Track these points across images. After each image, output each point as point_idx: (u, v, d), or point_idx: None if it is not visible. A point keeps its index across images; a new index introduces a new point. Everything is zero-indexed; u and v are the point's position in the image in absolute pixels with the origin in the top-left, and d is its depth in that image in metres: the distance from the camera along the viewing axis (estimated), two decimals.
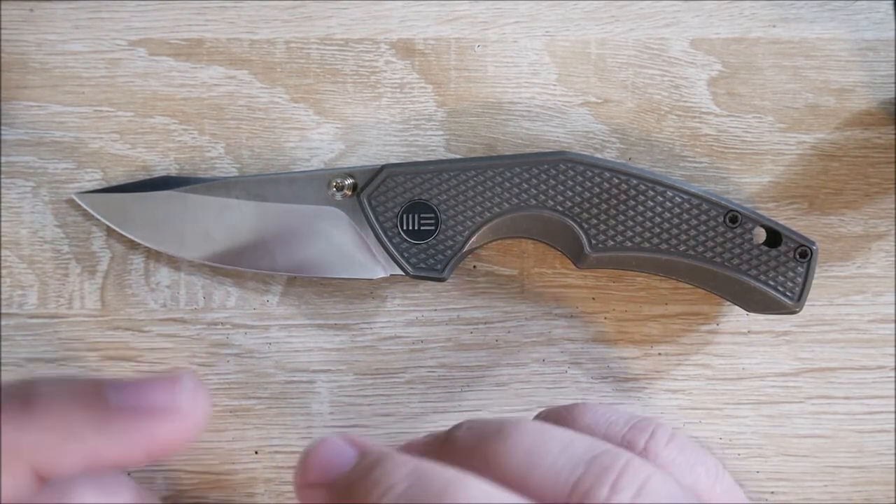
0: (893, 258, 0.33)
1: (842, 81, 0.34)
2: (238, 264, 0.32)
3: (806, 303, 0.31)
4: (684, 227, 0.31)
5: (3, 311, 0.32)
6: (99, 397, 0.23)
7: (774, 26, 0.34)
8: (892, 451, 0.33)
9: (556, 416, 0.28)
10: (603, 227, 0.31)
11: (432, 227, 0.31)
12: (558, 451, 0.23)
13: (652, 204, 0.31)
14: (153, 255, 0.33)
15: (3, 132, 0.33)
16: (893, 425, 0.33)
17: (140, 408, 0.24)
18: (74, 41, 0.33)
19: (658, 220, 0.31)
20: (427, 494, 0.21)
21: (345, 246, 0.31)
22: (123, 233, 0.32)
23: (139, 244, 0.32)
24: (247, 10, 0.33)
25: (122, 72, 0.33)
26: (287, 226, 0.31)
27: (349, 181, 0.31)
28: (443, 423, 0.33)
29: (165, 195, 0.32)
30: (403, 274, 0.31)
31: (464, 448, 0.25)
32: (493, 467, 0.23)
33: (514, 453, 0.23)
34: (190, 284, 0.33)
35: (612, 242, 0.31)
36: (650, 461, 0.25)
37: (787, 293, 0.31)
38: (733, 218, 0.31)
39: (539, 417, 0.29)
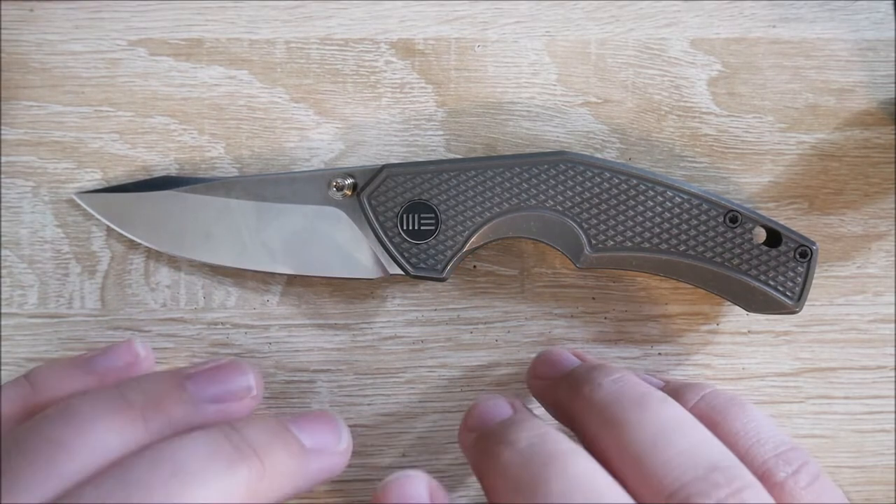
0: (893, 258, 0.33)
1: (842, 81, 0.34)
2: (238, 264, 0.32)
3: (806, 303, 0.31)
4: (684, 227, 0.31)
5: (3, 311, 0.32)
6: (294, 439, 0.25)
7: (774, 26, 0.34)
8: (892, 451, 0.33)
9: (714, 403, 0.27)
10: (603, 227, 0.31)
11: (432, 227, 0.31)
12: (683, 448, 0.23)
13: (652, 204, 0.31)
14: (153, 255, 0.33)
15: (3, 132, 0.33)
16: (893, 425, 0.33)
17: (323, 451, 0.26)
18: (74, 41, 0.33)
19: (658, 220, 0.31)
20: (537, 458, 0.23)
21: (345, 246, 0.31)
22: (123, 233, 0.32)
23: (139, 244, 0.32)
24: (247, 10, 0.33)
25: (122, 72, 0.33)
26: (287, 226, 0.31)
27: (349, 181, 0.31)
28: (443, 423, 0.33)
29: (165, 195, 0.32)
30: (403, 274, 0.31)
31: (603, 402, 0.25)
32: (617, 434, 0.24)
33: (642, 431, 0.24)
34: (190, 284, 0.33)
35: (612, 242, 0.31)
36: (780, 498, 0.24)
37: (787, 293, 0.31)
38: (733, 218, 0.31)
39: (703, 395, 0.27)
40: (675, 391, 0.27)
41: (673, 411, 0.25)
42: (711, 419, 0.26)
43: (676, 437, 0.23)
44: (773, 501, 0.23)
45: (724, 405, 0.26)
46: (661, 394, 0.25)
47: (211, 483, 0.22)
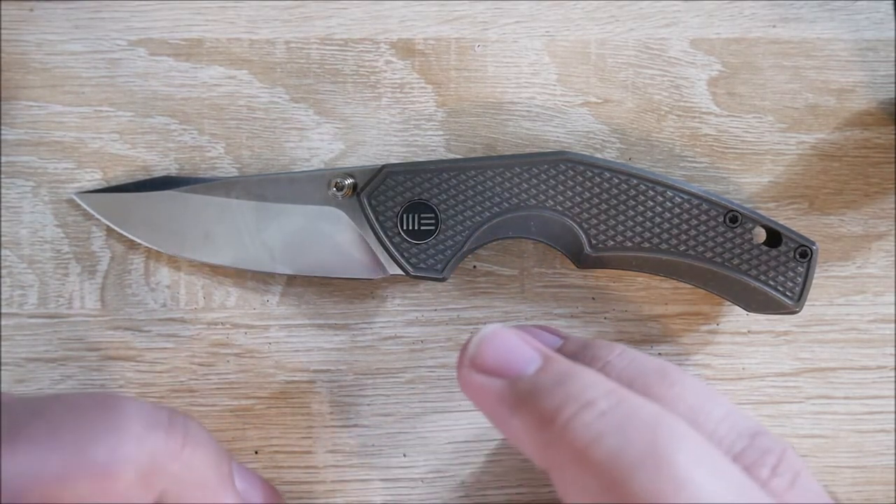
0: (893, 258, 0.33)
1: (842, 81, 0.34)
2: (238, 264, 0.32)
3: (806, 303, 0.31)
4: (684, 227, 0.31)
5: (3, 311, 0.32)
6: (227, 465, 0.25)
7: (774, 26, 0.34)
8: (892, 451, 0.33)
9: (638, 368, 0.24)
10: (603, 227, 0.31)
11: (432, 227, 0.31)
12: (721, 415, 0.22)
13: (652, 204, 0.31)
14: (153, 255, 0.33)
15: (3, 132, 0.33)
16: (893, 425, 0.33)
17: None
18: (74, 41, 0.33)
19: (658, 220, 0.31)
20: (638, 425, 0.20)
21: (345, 246, 0.31)
22: (123, 233, 0.32)
23: (139, 244, 0.32)
24: (247, 10, 0.33)
25: (122, 72, 0.33)
26: (287, 226, 0.31)
27: (349, 181, 0.31)
28: (443, 423, 0.33)
29: (165, 195, 0.32)
30: (403, 274, 0.31)
31: (621, 379, 0.22)
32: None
33: (678, 403, 0.22)
34: (190, 284, 0.33)
35: (612, 242, 0.31)
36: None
37: (787, 293, 0.31)
38: (733, 218, 0.31)
39: (618, 354, 0.25)
40: (583, 347, 0.25)
41: (694, 380, 0.23)
42: (645, 382, 0.23)
43: (712, 406, 0.22)
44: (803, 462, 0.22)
45: (652, 370, 0.24)
46: (670, 363, 0.24)
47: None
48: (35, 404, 0.23)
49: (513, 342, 0.24)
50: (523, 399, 0.22)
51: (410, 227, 0.31)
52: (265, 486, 0.28)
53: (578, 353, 0.25)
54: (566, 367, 0.22)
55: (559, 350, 0.25)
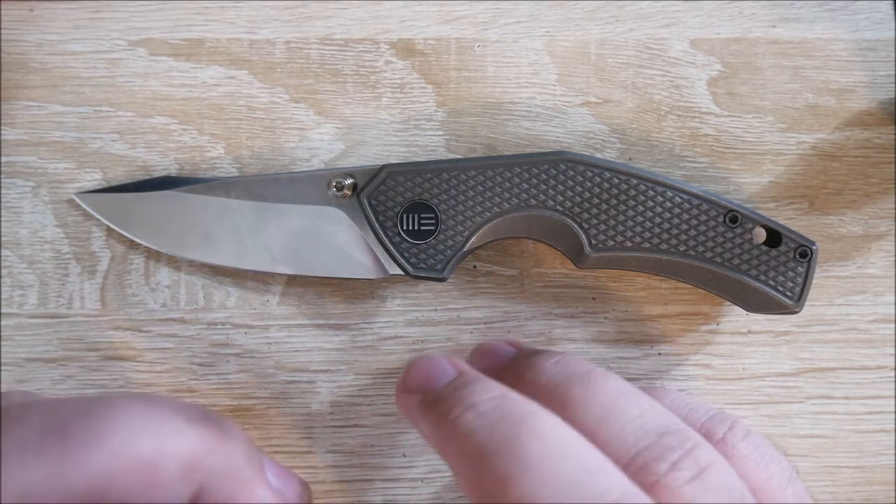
0: (893, 258, 0.33)
1: (842, 81, 0.34)
2: (238, 264, 0.32)
3: (806, 303, 0.31)
4: (684, 227, 0.31)
5: (3, 311, 0.32)
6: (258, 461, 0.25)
7: (774, 26, 0.34)
8: (892, 451, 0.33)
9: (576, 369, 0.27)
10: (603, 227, 0.31)
11: (432, 227, 0.31)
12: (634, 415, 0.24)
13: (652, 204, 0.31)
14: (153, 255, 0.33)
15: (3, 132, 0.33)
16: (893, 425, 0.33)
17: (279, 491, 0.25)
18: (74, 41, 0.33)
19: (658, 220, 0.31)
20: (505, 421, 0.23)
21: (345, 246, 0.31)
22: (123, 233, 0.32)
23: (139, 244, 0.32)
24: (247, 10, 0.33)
25: (122, 72, 0.33)
26: (287, 226, 0.31)
27: (349, 181, 0.31)
28: None
29: (165, 195, 0.32)
30: (403, 274, 0.31)
31: (549, 384, 0.26)
32: (569, 412, 0.24)
33: (592, 404, 0.24)
34: (190, 284, 0.33)
35: (612, 242, 0.31)
36: (724, 452, 0.25)
37: (787, 293, 0.31)
38: (733, 218, 0.31)
39: (556, 361, 0.28)
40: (528, 355, 0.28)
41: (616, 383, 0.25)
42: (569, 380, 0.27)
43: (623, 406, 0.24)
44: (720, 457, 0.24)
45: (648, 392, 0.27)
46: (602, 369, 0.26)
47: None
48: (79, 404, 0.23)
49: (433, 364, 0.27)
50: (429, 405, 0.25)
51: (410, 227, 0.31)
52: (297, 480, 0.28)
53: (522, 361, 0.27)
54: (469, 378, 0.25)
55: (514, 354, 0.29)
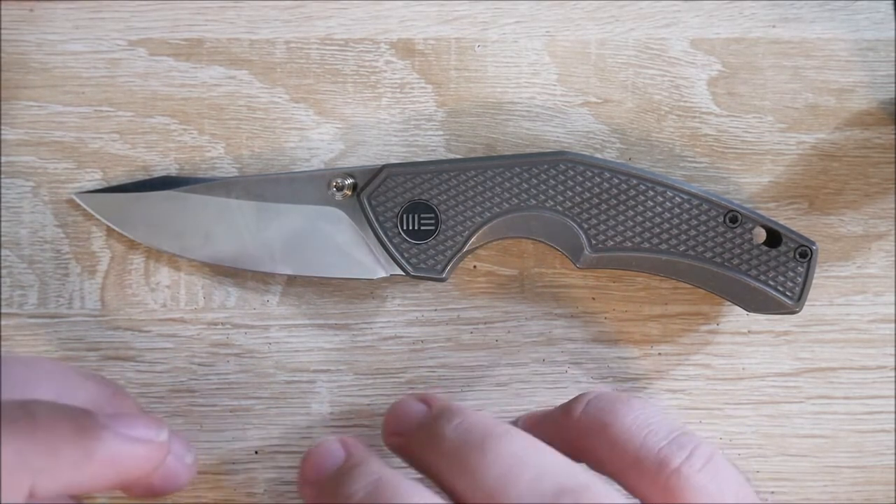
0: (893, 258, 0.33)
1: (842, 81, 0.34)
2: (238, 264, 0.32)
3: (806, 303, 0.31)
4: (684, 227, 0.31)
5: (3, 311, 0.32)
6: (91, 421, 0.24)
7: (774, 26, 0.34)
8: (892, 451, 0.33)
9: (601, 405, 0.27)
10: (603, 227, 0.31)
11: (432, 227, 0.31)
12: (529, 478, 0.24)
13: (652, 204, 0.31)
14: (153, 255, 0.33)
15: (3, 132, 0.33)
16: (893, 425, 0.33)
17: (126, 434, 0.25)
18: (74, 41, 0.33)
19: (658, 220, 0.31)
20: (378, 497, 0.24)
21: (345, 246, 0.31)
22: (123, 233, 0.32)
23: (139, 244, 0.32)
24: (247, 10, 0.33)
25: (122, 72, 0.33)
26: (287, 226, 0.31)
27: (349, 181, 0.31)
28: None
29: (165, 195, 0.32)
30: (403, 274, 0.31)
31: (449, 450, 0.26)
32: (468, 481, 0.24)
33: (489, 473, 0.24)
34: (190, 284, 0.33)
35: (612, 242, 0.31)
36: (674, 485, 0.25)
37: (787, 293, 0.31)
38: (733, 218, 0.31)
39: (590, 401, 0.28)
40: (566, 406, 0.28)
41: (514, 445, 0.25)
42: (602, 421, 0.26)
43: (520, 469, 0.24)
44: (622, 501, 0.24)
45: (611, 405, 0.27)
46: (503, 428, 0.26)
47: None
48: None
49: (322, 450, 0.27)
50: (317, 496, 0.26)
51: (410, 227, 0.31)
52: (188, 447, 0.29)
53: (428, 425, 0.27)
54: (351, 463, 0.26)
55: (422, 417, 0.28)
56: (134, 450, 0.25)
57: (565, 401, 0.28)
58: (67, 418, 0.24)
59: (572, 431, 0.27)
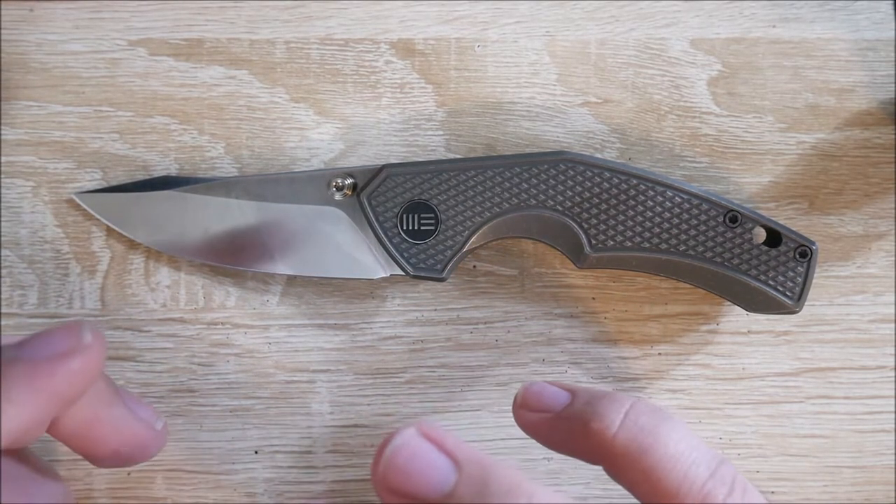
0: (893, 258, 0.33)
1: (842, 81, 0.34)
2: (238, 264, 0.32)
3: (806, 303, 0.31)
4: (684, 227, 0.31)
5: (3, 311, 0.32)
6: None
7: (774, 26, 0.34)
8: (892, 451, 0.33)
9: (642, 422, 0.25)
10: (603, 227, 0.31)
11: (432, 227, 0.31)
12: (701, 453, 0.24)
13: (652, 204, 0.31)
14: (153, 255, 0.33)
15: (3, 132, 0.33)
16: (893, 425, 0.33)
17: (45, 355, 0.24)
18: (74, 41, 0.33)
19: (658, 220, 0.31)
20: (644, 427, 0.25)
21: (345, 246, 0.31)
22: (123, 233, 0.32)
23: (139, 244, 0.32)
24: (247, 10, 0.33)
25: (122, 72, 0.33)
26: (287, 226, 0.31)
27: (349, 181, 0.31)
28: (442, 423, 0.33)
29: (165, 195, 0.32)
30: (403, 274, 0.31)
31: (624, 439, 0.26)
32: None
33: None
34: (190, 284, 0.33)
35: (612, 242, 0.31)
36: None
37: (787, 293, 0.31)
38: (733, 218, 0.31)
39: (628, 413, 0.26)
40: (593, 403, 0.26)
41: (684, 430, 0.25)
42: (643, 444, 0.25)
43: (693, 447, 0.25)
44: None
45: (654, 425, 0.25)
46: (663, 411, 0.26)
47: None
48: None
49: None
50: (562, 425, 0.26)
51: (410, 227, 0.31)
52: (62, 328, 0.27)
53: (580, 412, 0.26)
54: (479, 474, 0.22)
55: (565, 408, 0.27)
56: (57, 369, 0.24)
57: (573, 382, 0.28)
58: None
59: (605, 447, 0.25)
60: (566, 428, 0.26)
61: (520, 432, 0.31)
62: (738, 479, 0.25)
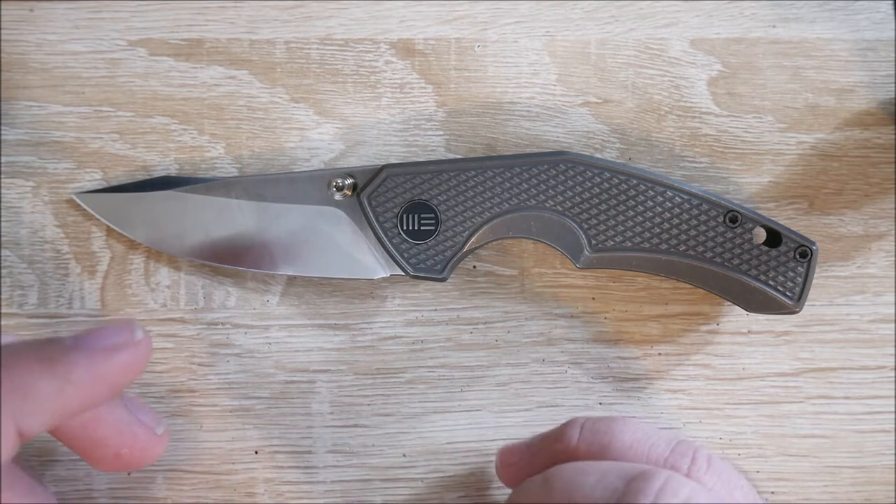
0: (893, 258, 0.33)
1: (842, 81, 0.34)
2: (238, 264, 0.32)
3: (806, 303, 0.31)
4: (684, 227, 0.31)
5: (3, 311, 0.32)
6: (58, 347, 0.25)
7: (774, 26, 0.34)
8: (892, 451, 0.33)
9: (597, 427, 0.28)
10: (603, 227, 0.31)
11: (432, 227, 0.31)
12: (593, 482, 0.25)
13: (652, 204, 0.31)
14: (153, 255, 0.33)
15: (3, 132, 0.33)
16: (893, 425, 0.33)
17: (103, 346, 0.26)
18: (74, 41, 0.33)
19: (658, 220, 0.31)
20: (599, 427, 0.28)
21: (345, 246, 0.31)
22: (123, 233, 0.32)
23: (139, 244, 0.32)
24: (247, 10, 0.33)
25: (122, 72, 0.33)
26: (287, 226, 0.31)
27: (349, 181, 0.31)
28: (443, 423, 0.33)
29: (165, 195, 0.32)
30: (403, 274, 0.31)
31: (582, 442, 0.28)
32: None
33: (555, 490, 0.25)
34: (190, 284, 0.33)
35: (612, 242, 0.31)
36: None
37: (787, 293, 0.31)
38: (733, 218, 0.31)
39: (584, 425, 0.28)
40: (552, 432, 0.29)
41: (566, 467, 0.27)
42: (601, 443, 0.27)
43: (585, 479, 0.26)
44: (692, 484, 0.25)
45: (607, 426, 0.28)
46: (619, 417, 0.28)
47: None
48: None
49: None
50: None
51: (410, 228, 0.31)
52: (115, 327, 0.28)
53: (546, 438, 0.29)
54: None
55: (530, 445, 0.30)
56: (112, 358, 0.26)
57: (550, 429, 0.29)
58: (33, 353, 0.25)
59: (571, 457, 0.27)
60: (538, 454, 0.29)
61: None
62: (699, 451, 0.27)
